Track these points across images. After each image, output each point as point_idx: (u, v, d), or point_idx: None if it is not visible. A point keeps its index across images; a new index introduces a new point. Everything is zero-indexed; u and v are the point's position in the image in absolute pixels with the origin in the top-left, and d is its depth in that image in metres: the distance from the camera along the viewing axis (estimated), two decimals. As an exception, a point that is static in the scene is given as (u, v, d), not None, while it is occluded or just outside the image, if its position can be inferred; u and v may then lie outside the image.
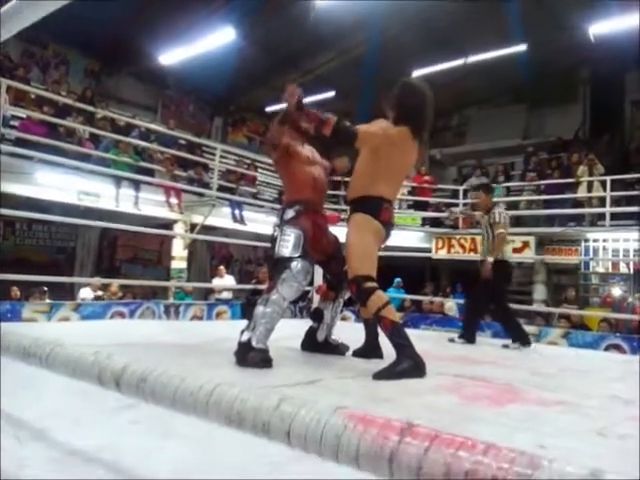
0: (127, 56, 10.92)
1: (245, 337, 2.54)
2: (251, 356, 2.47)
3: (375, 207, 2.62)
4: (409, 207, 11.13)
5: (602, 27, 9.19)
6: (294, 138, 2.98)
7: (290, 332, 3.17)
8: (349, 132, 2.50)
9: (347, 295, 3.12)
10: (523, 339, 4.27)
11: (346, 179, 3.45)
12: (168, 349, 2.91)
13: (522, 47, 9.96)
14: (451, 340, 4.38)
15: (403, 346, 2.44)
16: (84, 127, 7.90)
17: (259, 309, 2.60)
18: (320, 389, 2.12)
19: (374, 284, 2.53)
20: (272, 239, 2.87)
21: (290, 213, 2.85)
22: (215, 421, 0.84)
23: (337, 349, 3.10)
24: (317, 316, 3.14)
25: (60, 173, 6.93)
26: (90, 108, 8.25)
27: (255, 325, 2.55)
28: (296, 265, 2.67)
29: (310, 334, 3.14)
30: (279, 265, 2.71)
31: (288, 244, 2.72)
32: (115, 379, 0.96)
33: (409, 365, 2.40)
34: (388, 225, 2.68)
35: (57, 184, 7.06)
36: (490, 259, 4.38)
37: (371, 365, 2.58)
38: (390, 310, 2.52)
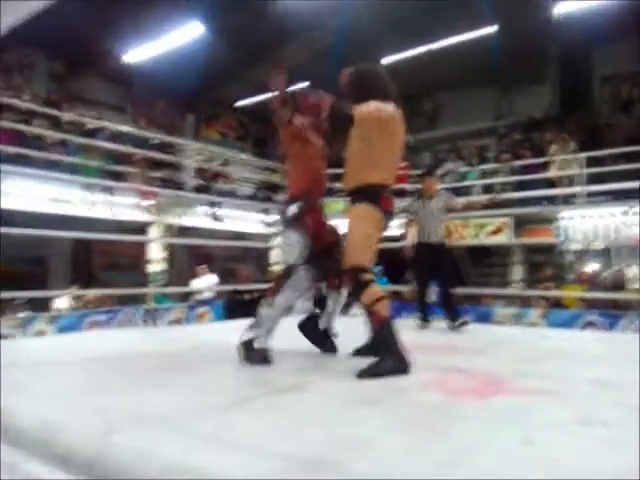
0: (93, 56, 10.63)
1: (247, 336, 2.71)
2: (252, 356, 2.66)
3: (375, 195, 2.59)
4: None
5: (568, 5, 9.22)
6: (312, 126, 2.93)
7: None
8: (344, 117, 2.51)
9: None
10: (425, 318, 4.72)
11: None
12: (141, 369, 2.80)
13: (491, 29, 9.96)
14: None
15: (389, 343, 2.44)
16: (50, 132, 7.69)
17: (263, 310, 2.74)
18: (308, 393, 2.10)
19: (371, 276, 2.54)
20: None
21: (293, 209, 2.86)
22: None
23: (331, 344, 3.09)
24: (321, 303, 3.16)
25: (28, 181, 6.73)
26: (55, 112, 8.03)
27: (258, 325, 2.71)
28: (302, 273, 2.76)
29: (312, 319, 3.14)
30: (286, 271, 2.81)
31: (295, 251, 2.79)
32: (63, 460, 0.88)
33: (393, 363, 2.40)
34: (388, 213, 2.66)
35: (26, 192, 6.85)
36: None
37: (357, 363, 2.55)
38: (383, 305, 2.48)
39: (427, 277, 4.86)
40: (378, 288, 2.54)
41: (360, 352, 2.89)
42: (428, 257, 4.64)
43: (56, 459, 0.88)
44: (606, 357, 3.05)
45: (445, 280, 4.76)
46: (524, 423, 1.65)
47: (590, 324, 5.07)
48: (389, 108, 2.58)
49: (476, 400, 1.96)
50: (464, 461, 1.33)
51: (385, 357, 2.41)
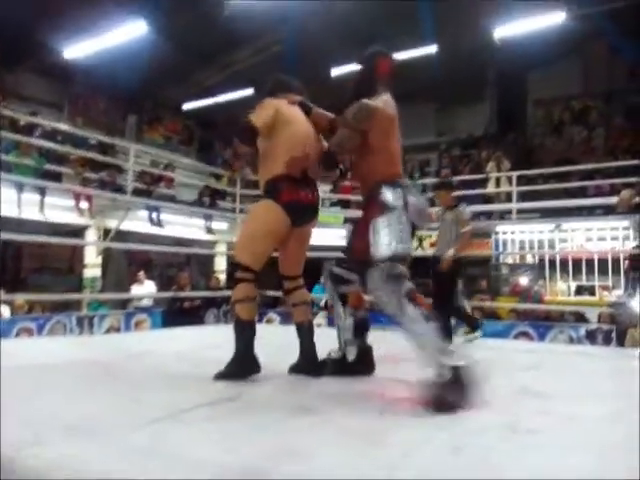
0: (28, 49, 10.14)
1: None
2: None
3: (274, 189, 2.54)
4: (332, 205, 11.24)
5: (506, 29, 9.72)
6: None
7: (213, 340, 3.08)
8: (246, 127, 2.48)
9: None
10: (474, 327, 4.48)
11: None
12: (74, 378, 2.70)
13: (433, 48, 10.34)
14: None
15: (237, 349, 2.50)
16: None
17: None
18: (243, 404, 2.08)
19: (246, 275, 2.51)
20: None
21: None
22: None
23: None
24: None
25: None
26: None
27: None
28: None
29: None
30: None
31: None
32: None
33: (235, 367, 2.46)
34: (294, 205, 2.52)
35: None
36: (451, 254, 4.43)
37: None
38: (243, 308, 2.51)
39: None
40: (246, 288, 2.50)
41: (293, 370, 2.67)
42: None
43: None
44: (535, 366, 3.19)
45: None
46: (453, 429, 1.71)
47: (522, 334, 5.30)
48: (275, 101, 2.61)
49: (411, 408, 2.01)
50: (398, 466, 1.37)
51: (232, 361, 2.48)
